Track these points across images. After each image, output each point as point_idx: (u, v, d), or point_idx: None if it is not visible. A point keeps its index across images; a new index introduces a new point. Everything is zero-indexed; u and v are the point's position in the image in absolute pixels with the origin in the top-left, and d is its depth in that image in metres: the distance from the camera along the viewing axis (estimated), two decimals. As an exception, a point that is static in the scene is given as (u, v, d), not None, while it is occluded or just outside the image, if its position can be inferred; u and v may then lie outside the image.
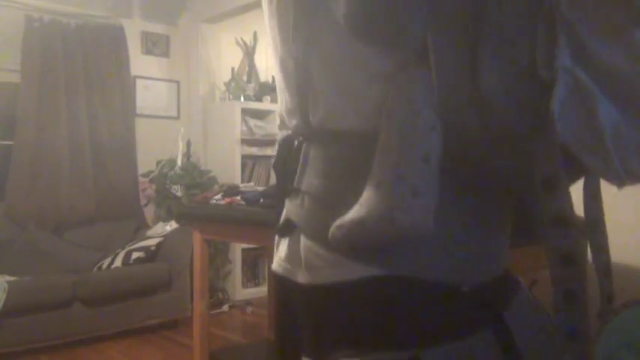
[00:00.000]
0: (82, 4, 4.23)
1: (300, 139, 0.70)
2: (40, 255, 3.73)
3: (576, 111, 0.51)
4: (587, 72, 0.51)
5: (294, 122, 0.69)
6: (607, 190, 0.62)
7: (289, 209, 0.69)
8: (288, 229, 0.69)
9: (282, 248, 0.71)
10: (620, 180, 0.53)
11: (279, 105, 0.74)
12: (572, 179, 0.59)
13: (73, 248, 3.93)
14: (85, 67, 4.21)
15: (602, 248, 0.62)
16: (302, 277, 0.65)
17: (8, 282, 3.21)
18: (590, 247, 0.61)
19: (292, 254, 0.68)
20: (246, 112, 4.56)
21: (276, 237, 0.73)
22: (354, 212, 0.56)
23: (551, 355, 0.67)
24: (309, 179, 0.66)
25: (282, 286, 0.71)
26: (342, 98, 0.61)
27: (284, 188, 0.71)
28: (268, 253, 3.72)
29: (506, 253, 0.68)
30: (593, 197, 0.61)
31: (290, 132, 0.72)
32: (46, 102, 4.02)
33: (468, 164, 0.58)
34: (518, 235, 0.68)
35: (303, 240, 0.65)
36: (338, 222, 0.58)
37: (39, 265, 3.62)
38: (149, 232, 4.06)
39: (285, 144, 0.73)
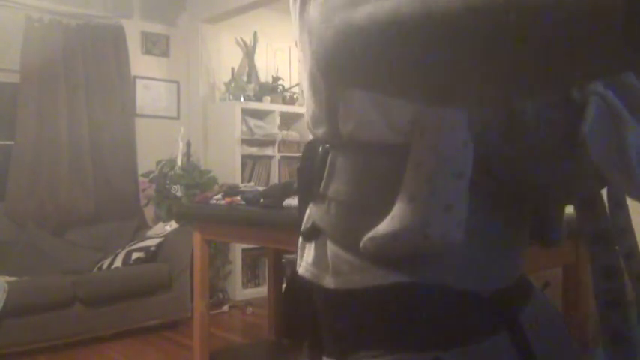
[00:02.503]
0: (82, 4, 4.23)
1: (326, 146, 0.69)
2: (40, 255, 3.73)
3: (606, 132, 0.54)
4: (618, 95, 0.54)
5: (320, 131, 0.68)
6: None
7: (315, 214, 0.70)
8: (314, 233, 0.70)
9: (308, 252, 0.71)
10: None
11: (305, 113, 0.74)
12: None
13: (73, 248, 3.93)
14: (85, 67, 4.21)
15: (632, 254, 0.64)
16: (329, 282, 0.66)
17: (8, 282, 3.21)
18: (620, 253, 0.63)
19: (319, 259, 0.68)
20: (246, 112, 4.56)
21: (300, 240, 0.73)
22: (388, 225, 0.57)
23: (566, 353, 0.70)
24: (336, 186, 0.66)
25: (306, 288, 0.72)
26: (376, 111, 0.60)
27: (309, 192, 0.72)
28: (268, 252, 3.73)
29: (524, 259, 0.69)
30: (618, 205, 0.64)
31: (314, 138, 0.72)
32: (46, 102, 4.02)
33: (497, 179, 0.59)
34: (531, 238, 0.70)
35: (330, 245, 0.66)
36: (371, 234, 0.58)
37: (39, 265, 3.62)
38: (149, 233, 4.06)
39: (310, 149, 0.73)
